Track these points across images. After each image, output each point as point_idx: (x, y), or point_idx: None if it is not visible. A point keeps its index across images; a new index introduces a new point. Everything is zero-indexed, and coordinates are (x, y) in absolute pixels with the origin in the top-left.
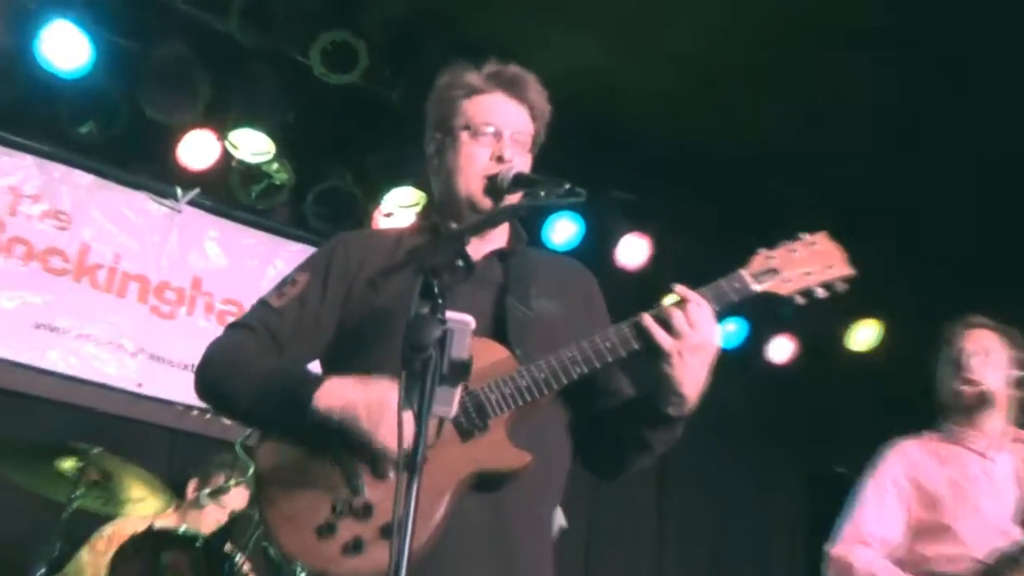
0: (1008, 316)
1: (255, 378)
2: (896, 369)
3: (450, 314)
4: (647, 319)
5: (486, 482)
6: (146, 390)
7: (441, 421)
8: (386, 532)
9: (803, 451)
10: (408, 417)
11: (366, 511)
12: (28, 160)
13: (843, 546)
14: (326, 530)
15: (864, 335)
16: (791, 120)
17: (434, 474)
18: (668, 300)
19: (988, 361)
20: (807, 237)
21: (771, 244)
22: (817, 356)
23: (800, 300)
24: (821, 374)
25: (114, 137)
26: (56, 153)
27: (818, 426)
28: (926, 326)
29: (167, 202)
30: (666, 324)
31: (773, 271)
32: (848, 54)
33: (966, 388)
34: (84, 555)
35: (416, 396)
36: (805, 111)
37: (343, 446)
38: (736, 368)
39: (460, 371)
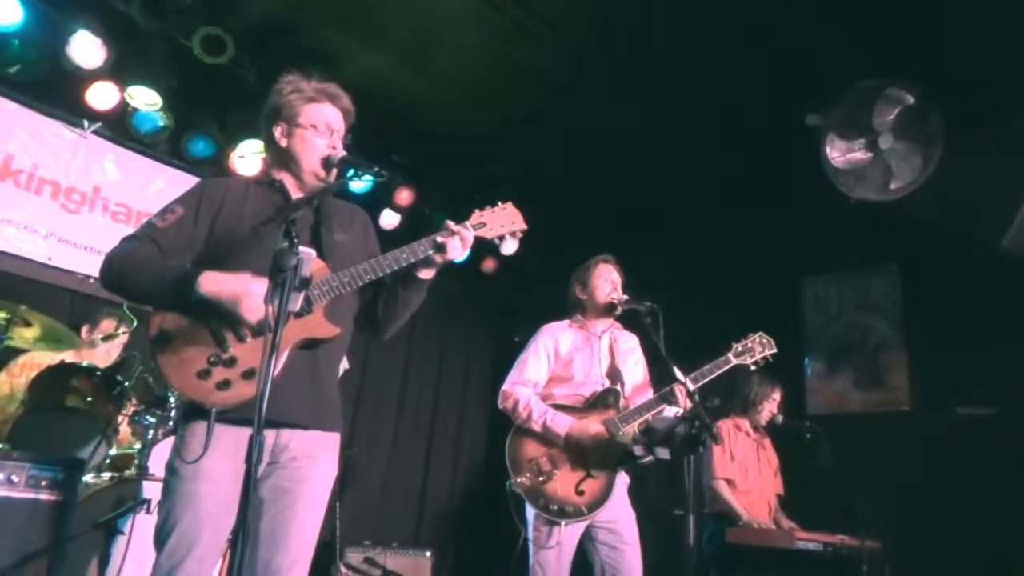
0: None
1: (153, 270)
2: (553, 281)
3: (301, 248)
4: (440, 238)
5: (309, 344)
6: (54, 263)
7: (290, 313)
8: (247, 375)
9: (495, 327)
10: (269, 309)
11: (232, 362)
12: None
13: (510, 385)
14: (203, 374)
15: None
16: (502, 122)
17: (280, 339)
18: (445, 229)
19: (607, 283)
20: (501, 204)
21: (482, 207)
22: (509, 271)
23: (498, 241)
24: (512, 280)
25: (38, 79)
26: None
27: (505, 313)
28: (569, 259)
29: (76, 130)
30: (454, 241)
31: (483, 223)
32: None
33: (585, 298)
34: (2, 376)
35: (277, 299)
36: (509, 118)
37: (217, 318)
38: (460, 274)
39: (304, 283)
